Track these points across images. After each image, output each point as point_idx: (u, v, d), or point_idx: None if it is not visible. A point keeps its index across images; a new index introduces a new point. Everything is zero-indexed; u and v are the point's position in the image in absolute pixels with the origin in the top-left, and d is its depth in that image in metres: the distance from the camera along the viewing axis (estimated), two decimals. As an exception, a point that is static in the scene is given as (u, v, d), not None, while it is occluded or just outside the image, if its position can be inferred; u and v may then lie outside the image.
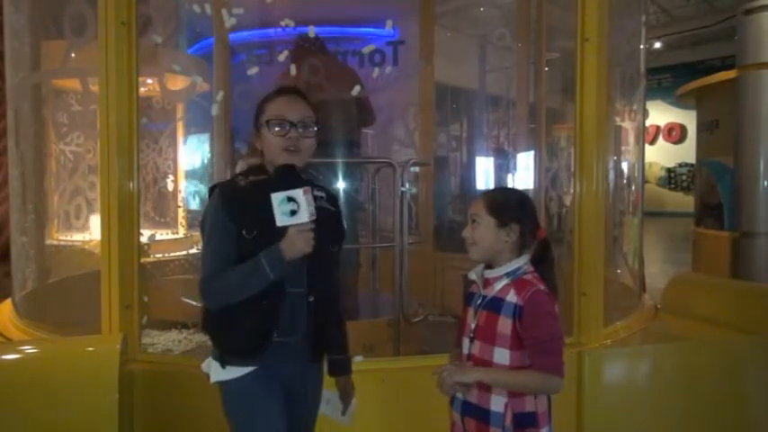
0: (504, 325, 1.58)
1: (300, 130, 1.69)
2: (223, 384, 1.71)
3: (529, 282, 1.61)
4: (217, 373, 1.71)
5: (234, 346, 1.68)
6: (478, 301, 1.66)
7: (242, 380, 1.68)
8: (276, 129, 1.68)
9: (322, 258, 1.67)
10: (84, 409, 2.04)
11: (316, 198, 1.65)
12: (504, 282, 1.63)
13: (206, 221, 1.70)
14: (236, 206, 1.66)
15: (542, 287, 1.60)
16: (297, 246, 1.57)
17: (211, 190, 1.74)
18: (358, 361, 2.37)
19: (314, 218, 1.56)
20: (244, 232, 1.63)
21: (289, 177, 1.64)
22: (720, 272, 5.44)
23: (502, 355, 1.58)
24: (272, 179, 1.68)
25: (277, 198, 1.53)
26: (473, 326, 1.65)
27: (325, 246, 1.68)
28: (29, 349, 2.39)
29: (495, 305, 1.61)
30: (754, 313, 2.90)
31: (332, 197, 1.83)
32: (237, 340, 1.67)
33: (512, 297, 1.59)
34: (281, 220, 1.54)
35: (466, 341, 1.67)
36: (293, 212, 1.53)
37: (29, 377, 2.09)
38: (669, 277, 3.63)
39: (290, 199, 1.53)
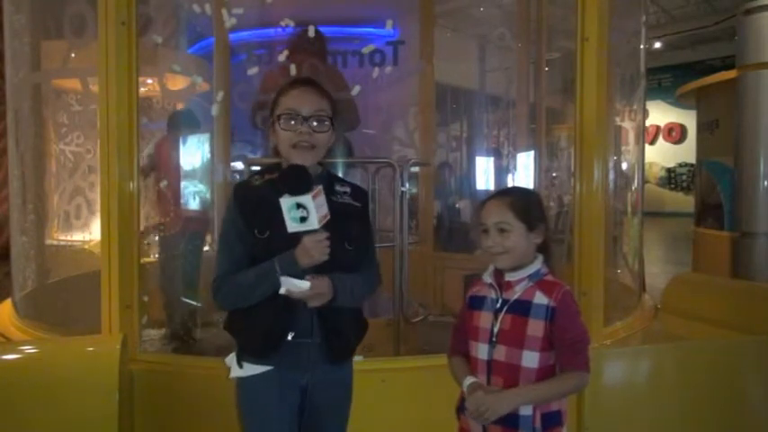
0: (536, 327, 1.56)
1: (314, 124, 1.63)
2: (239, 381, 1.71)
3: (555, 282, 1.61)
4: (234, 369, 1.71)
5: (250, 345, 1.67)
6: (498, 305, 1.62)
7: (256, 379, 1.67)
8: (287, 123, 1.63)
9: (338, 257, 1.59)
10: (84, 409, 2.04)
11: (338, 194, 1.62)
12: (527, 284, 1.60)
13: (223, 221, 1.70)
14: (249, 206, 1.64)
15: (567, 286, 1.61)
16: (312, 255, 1.53)
17: None
18: (358, 361, 2.38)
19: (327, 220, 1.51)
20: (256, 232, 1.61)
21: (297, 178, 1.55)
22: (720, 272, 5.44)
23: (531, 359, 1.56)
24: (280, 180, 1.60)
25: (286, 203, 1.49)
26: (495, 330, 1.60)
27: (341, 244, 1.61)
28: (29, 349, 2.39)
29: (522, 308, 1.58)
30: (754, 313, 2.90)
31: (360, 192, 1.75)
32: (253, 339, 1.65)
33: (540, 299, 1.57)
34: (291, 226, 1.49)
35: (483, 346, 1.62)
36: (303, 219, 1.48)
37: (29, 377, 2.09)
38: (669, 277, 3.63)
39: (300, 205, 1.48)
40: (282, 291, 1.55)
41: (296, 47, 3.21)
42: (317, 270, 1.58)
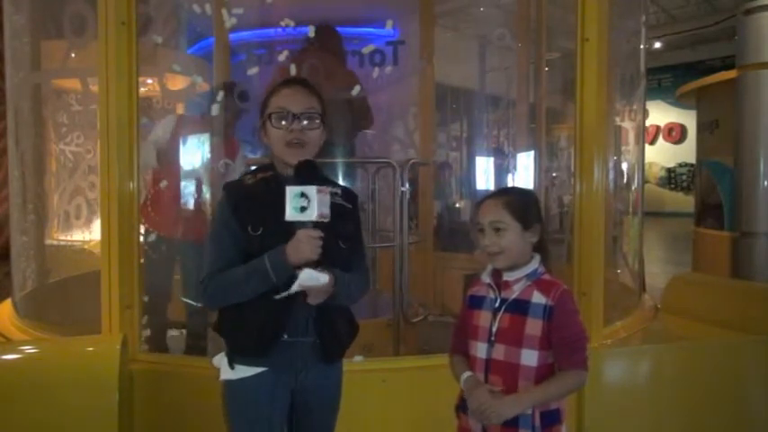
0: (534, 326, 1.57)
1: (305, 122, 1.65)
2: (228, 383, 1.69)
3: (552, 282, 1.61)
4: (225, 371, 1.69)
5: (243, 345, 1.65)
6: (496, 304, 1.63)
7: (249, 381, 1.65)
8: (278, 122, 1.65)
9: (332, 255, 1.60)
10: (84, 409, 2.04)
11: (330, 194, 1.61)
12: (525, 283, 1.61)
13: (213, 220, 1.70)
14: (242, 204, 1.65)
15: (566, 286, 1.61)
16: (303, 251, 1.52)
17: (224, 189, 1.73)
18: (358, 361, 2.38)
19: (325, 219, 1.52)
20: (249, 229, 1.61)
21: (307, 173, 1.60)
22: (720, 272, 5.44)
23: (530, 357, 1.57)
24: (290, 174, 1.64)
25: (291, 191, 1.51)
26: (493, 329, 1.61)
27: (335, 243, 1.62)
28: (29, 349, 2.39)
29: (521, 307, 1.59)
30: (754, 313, 2.90)
31: (350, 195, 1.77)
32: (246, 338, 1.63)
33: (538, 298, 1.58)
34: (290, 214, 1.51)
35: (482, 345, 1.62)
36: (303, 209, 1.50)
37: (29, 377, 2.09)
38: (669, 277, 3.63)
39: (303, 194, 1.50)
40: (295, 288, 1.53)
41: (311, 46, 3.20)
42: (315, 267, 1.57)
